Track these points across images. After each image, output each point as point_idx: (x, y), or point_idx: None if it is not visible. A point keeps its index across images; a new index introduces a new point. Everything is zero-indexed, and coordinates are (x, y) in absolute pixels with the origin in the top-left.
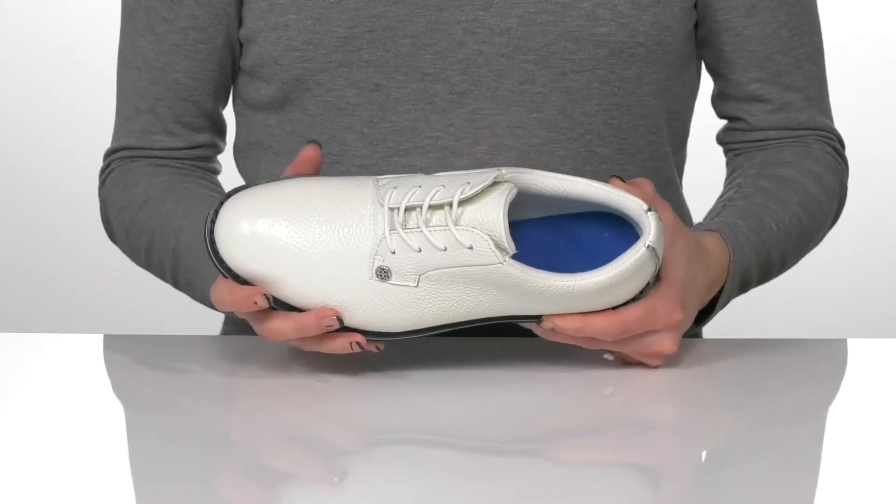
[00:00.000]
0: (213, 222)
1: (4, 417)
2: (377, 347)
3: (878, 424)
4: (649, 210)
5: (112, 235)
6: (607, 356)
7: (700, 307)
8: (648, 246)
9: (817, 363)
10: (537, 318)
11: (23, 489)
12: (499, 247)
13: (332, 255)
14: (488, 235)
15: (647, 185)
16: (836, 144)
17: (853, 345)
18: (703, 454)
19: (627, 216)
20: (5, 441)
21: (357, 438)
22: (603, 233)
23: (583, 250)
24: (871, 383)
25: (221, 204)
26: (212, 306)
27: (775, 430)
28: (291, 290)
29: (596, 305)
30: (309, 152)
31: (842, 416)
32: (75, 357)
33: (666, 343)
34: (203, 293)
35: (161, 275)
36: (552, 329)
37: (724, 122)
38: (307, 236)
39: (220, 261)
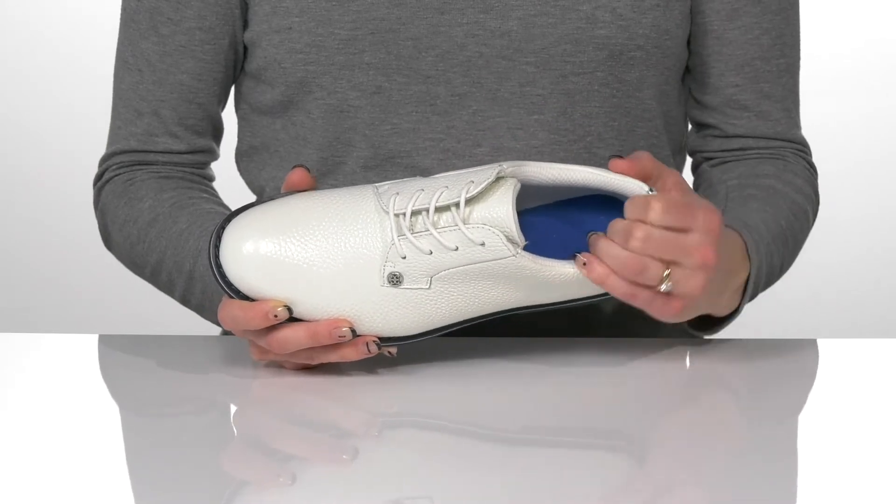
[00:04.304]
0: (217, 247)
1: (2, 417)
2: (389, 353)
3: (855, 422)
4: (651, 190)
5: (109, 245)
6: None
7: (720, 296)
8: None
9: (790, 363)
10: (543, 306)
11: (21, 489)
12: (510, 240)
13: (341, 267)
14: (499, 230)
15: (647, 158)
16: (808, 157)
17: (823, 345)
18: (698, 450)
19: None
20: (3, 441)
21: (366, 422)
22: (598, 216)
23: (581, 236)
24: (844, 382)
25: (223, 228)
26: (218, 324)
27: (762, 428)
28: (303, 307)
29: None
30: (296, 178)
31: (821, 414)
32: (74, 357)
33: (695, 280)
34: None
35: (168, 291)
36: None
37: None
38: (314, 252)
39: (229, 284)
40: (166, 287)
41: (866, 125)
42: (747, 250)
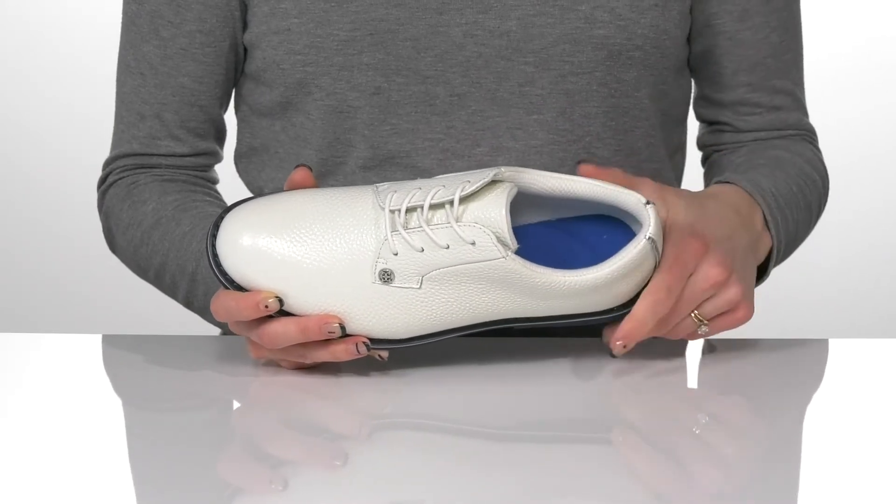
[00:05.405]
0: (215, 236)
1: (4, 417)
2: (380, 356)
3: (861, 422)
4: (648, 203)
5: (114, 248)
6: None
7: (755, 258)
8: (649, 238)
9: (801, 362)
10: (539, 320)
11: (22, 489)
12: (501, 242)
13: (334, 262)
14: (491, 231)
15: (618, 174)
16: (815, 143)
17: (834, 345)
18: (701, 450)
19: (626, 211)
20: (4, 441)
21: (359, 427)
22: (601, 235)
23: (582, 251)
24: (853, 382)
25: (222, 218)
26: (220, 326)
27: (768, 429)
28: (295, 301)
29: (598, 301)
30: (298, 177)
31: (829, 415)
32: (75, 357)
33: (732, 292)
34: None
35: (171, 294)
36: (622, 345)
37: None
38: (309, 246)
39: (224, 273)
40: (170, 289)
41: (867, 123)
42: (765, 218)
